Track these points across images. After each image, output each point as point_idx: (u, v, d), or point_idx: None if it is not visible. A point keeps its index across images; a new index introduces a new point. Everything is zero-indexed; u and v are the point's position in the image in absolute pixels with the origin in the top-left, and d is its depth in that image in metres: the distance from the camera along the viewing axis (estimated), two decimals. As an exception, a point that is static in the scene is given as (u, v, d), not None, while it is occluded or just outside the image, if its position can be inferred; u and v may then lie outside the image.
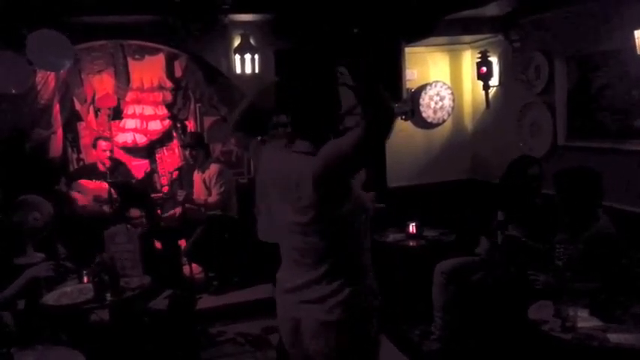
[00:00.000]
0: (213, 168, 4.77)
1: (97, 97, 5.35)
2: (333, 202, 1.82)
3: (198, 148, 4.81)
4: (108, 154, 4.83)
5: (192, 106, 5.61)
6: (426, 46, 4.95)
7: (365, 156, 1.73)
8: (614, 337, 2.33)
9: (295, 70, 2.02)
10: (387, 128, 1.64)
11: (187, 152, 4.93)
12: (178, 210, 4.89)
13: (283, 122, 2.02)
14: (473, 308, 3.58)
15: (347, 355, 1.92)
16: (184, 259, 4.90)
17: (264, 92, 2.22)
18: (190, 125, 5.66)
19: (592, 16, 3.67)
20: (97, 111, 5.43)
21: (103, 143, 4.84)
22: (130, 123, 5.48)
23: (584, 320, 2.46)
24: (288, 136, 1.95)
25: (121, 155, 5.45)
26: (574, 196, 2.93)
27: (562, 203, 3.00)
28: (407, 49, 4.67)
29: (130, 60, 5.27)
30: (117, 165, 4.95)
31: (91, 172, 4.91)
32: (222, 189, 4.68)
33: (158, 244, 4.95)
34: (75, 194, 4.81)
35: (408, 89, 4.94)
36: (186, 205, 4.75)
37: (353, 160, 1.72)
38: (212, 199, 4.69)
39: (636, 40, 3.21)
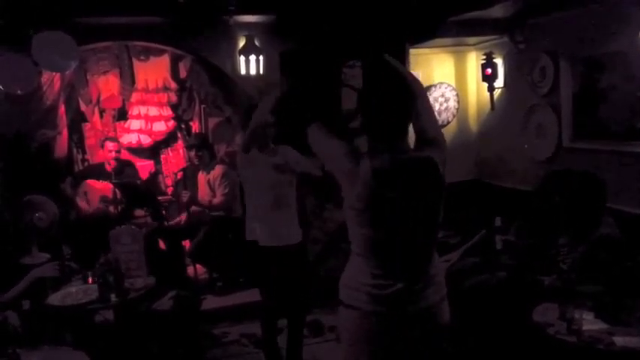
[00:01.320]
0: (218, 169, 4.77)
1: (102, 98, 5.36)
2: None
3: (202, 149, 4.81)
4: (114, 154, 4.83)
5: (196, 107, 5.61)
6: (431, 47, 4.94)
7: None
8: (619, 340, 2.32)
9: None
10: None
11: (192, 153, 4.94)
12: (183, 217, 4.92)
13: None
14: (471, 310, 3.57)
15: None
16: (188, 260, 4.91)
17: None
18: (195, 126, 5.66)
19: (597, 18, 3.66)
20: (102, 112, 5.44)
21: (110, 144, 4.84)
22: (134, 124, 5.49)
23: (590, 323, 2.45)
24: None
25: (125, 156, 5.45)
26: (576, 200, 2.92)
27: (564, 206, 2.98)
28: (411, 51, 4.66)
29: (135, 61, 5.28)
30: (124, 166, 4.96)
31: (97, 172, 4.92)
32: (226, 190, 4.68)
33: (162, 245, 4.96)
34: (81, 198, 4.82)
35: (412, 91, 4.93)
36: (191, 208, 4.76)
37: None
38: (216, 200, 4.70)
39: (642, 42, 3.21)
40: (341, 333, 2.10)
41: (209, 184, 4.75)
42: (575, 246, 2.90)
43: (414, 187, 1.91)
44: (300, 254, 3.34)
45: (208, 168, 4.80)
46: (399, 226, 1.94)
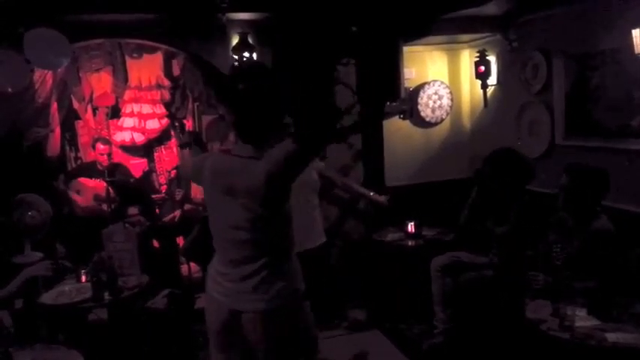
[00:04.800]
0: None
1: (95, 96, 5.33)
2: (278, 200, 1.99)
3: (195, 147, 4.79)
4: (106, 157, 4.80)
5: (190, 105, 5.60)
6: (425, 45, 4.94)
7: (297, 168, 1.95)
8: (611, 337, 2.34)
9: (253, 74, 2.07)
10: (318, 148, 2.12)
11: (185, 151, 4.91)
12: (177, 214, 4.90)
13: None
14: (470, 300, 3.60)
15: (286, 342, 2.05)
16: (182, 258, 4.90)
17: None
18: (188, 124, 5.65)
19: (590, 15, 3.67)
20: (95, 109, 5.42)
21: (101, 146, 4.79)
22: (128, 122, 5.47)
23: (582, 319, 2.47)
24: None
25: (119, 154, 5.43)
26: (586, 193, 2.93)
27: (570, 198, 2.99)
28: (405, 48, 4.63)
29: (128, 58, 5.25)
30: (115, 167, 4.93)
31: (89, 170, 4.89)
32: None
33: (156, 243, 4.95)
34: (74, 195, 4.80)
35: (406, 88, 4.94)
36: (185, 206, 4.75)
37: (305, 157, 1.93)
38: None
39: (634, 39, 3.21)
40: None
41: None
42: (568, 242, 2.92)
43: (231, 187, 2.00)
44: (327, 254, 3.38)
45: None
46: (221, 223, 2.10)
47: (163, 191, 5.33)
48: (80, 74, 5.17)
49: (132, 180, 5.02)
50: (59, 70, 4.54)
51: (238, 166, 2.01)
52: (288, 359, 2.08)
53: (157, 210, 5.02)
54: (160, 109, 5.53)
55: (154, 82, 5.37)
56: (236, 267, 2.06)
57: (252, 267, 2.02)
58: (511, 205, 3.49)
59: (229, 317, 2.08)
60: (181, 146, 5.15)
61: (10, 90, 4.03)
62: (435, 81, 5.06)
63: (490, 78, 4.67)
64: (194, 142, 4.81)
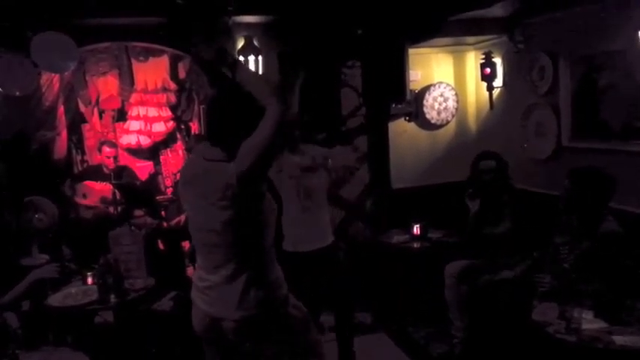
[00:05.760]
0: None
1: (101, 99, 5.36)
2: (252, 201, 1.98)
3: None
4: (112, 160, 4.82)
5: (196, 108, 5.61)
6: (430, 47, 4.94)
7: (280, 137, 1.94)
8: (619, 339, 2.32)
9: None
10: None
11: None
12: (183, 217, 4.91)
13: None
14: (486, 308, 3.57)
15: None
16: (188, 261, 4.91)
17: None
18: (194, 127, 5.66)
19: (596, 17, 3.65)
20: (101, 113, 5.44)
21: (107, 149, 4.82)
22: (134, 125, 5.49)
23: (589, 322, 2.45)
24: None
25: (124, 157, 5.45)
26: (588, 196, 2.92)
27: (572, 202, 2.97)
28: (410, 50, 4.65)
29: (134, 62, 5.28)
30: (121, 170, 4.95)
31: (96, 173, 4.92)
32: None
33: (161, 245, 4.96)
34: (80, 199, 4.82)
35: (411, 90, 4.93)
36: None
37: (272, 145, 1.91)
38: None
39: (641, 41, 3.20)
40: None
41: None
42: (576, 244, 2.90)
43: (202, 190, 2.01)
44: (336, 253, 3.37)
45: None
46: (197, 226, 2.10)
47: (169, 194, 5.34)
48: (87, 77, 5.19)
49: (138, 183, 5.04)
50: (66, 73, 4.56)
51: (209, 168, 2.01)
52: None
53: (163, 212, 5.03)
54: (166, 112, 5.54)
55: (160, 85, 5.39)
56: (213, 273, 2.07)
57: (227, 272, 2.03)
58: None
59: (210, 322, 2.10)
60: (188, 150, 5.18)
61: (17, 93, 4.06)
62: (440, 83, 5.05)
63: (496, 80, 4.66)
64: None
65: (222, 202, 1.95)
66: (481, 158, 3.86)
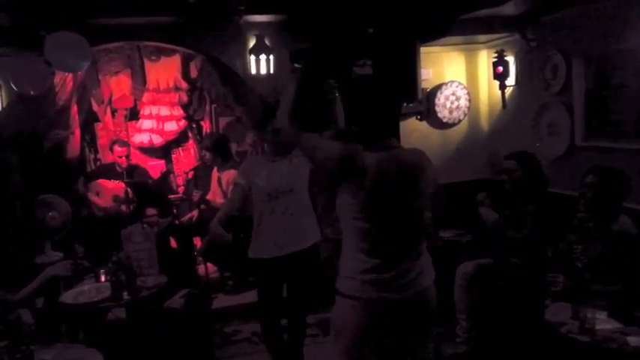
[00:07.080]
0: (233, 172, 4.75)
1: (113, 98, 5.40)
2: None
3: (215, 152, 4.81)
4: (124, 159, 4.84)
5: (207, 107, 5.64)
6: (442, 45, 4.91)
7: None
8: (633, 340, 2.30)
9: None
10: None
11: (208, 154, 4.92)
12: (195, 213, 4.92)
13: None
14: (497, 310, 3.54)
15: None
16: (199, 259, 4.93)
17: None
18: (206, 126, 5.69)
19: (610, 15, 3.62)
20: (113, 112, 5.49)
21: (119, 149, 4.84)
22: (146, 124, 5.53)
23: (603, 322, 2.43)
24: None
25: (137, 155, 5.49)
26: (611, 193, 2.90)
27: (597, 199, 2.95)
28: (422, 49, 4.62)
29: (146, 61, 5.31)
30: (133, 169, 4.98)
31: (108, 172, 4.95)
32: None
33: (173, 243, 4.98)
34: (93, 197, 4.86)
35: (423, 89, 4.90)
36: (202, 207, 4.77)
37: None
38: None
39: (655, 39, 3.17)
40: (335, 323, 2.19)
41: (220, 185, 4.76)
42: (590, 244, 2.87)
43: (409, 178, 2.13)
44: (317, 254, 3.35)
45: (223, 168, 4.79)
46: (396, 216, 2.11)
47: (181, 192, 5.38)
48: (99, 77, 5.24)
49: (150, 181, 5.07)
50: (79, 73, 4.60)
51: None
52: None
53: (175, 211, 5.06)
54: (178, 111, 5.58)
55: (171, 85, 5.43)
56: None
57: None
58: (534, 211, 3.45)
59: (409, 302, 2.16)
60: (205, 148, 5.15)
61: (32, 93, 4.10)
62: (452, 82, 5.03)
63: (508, 78, 4.62)
64: (213, 146, 4.85)
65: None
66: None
